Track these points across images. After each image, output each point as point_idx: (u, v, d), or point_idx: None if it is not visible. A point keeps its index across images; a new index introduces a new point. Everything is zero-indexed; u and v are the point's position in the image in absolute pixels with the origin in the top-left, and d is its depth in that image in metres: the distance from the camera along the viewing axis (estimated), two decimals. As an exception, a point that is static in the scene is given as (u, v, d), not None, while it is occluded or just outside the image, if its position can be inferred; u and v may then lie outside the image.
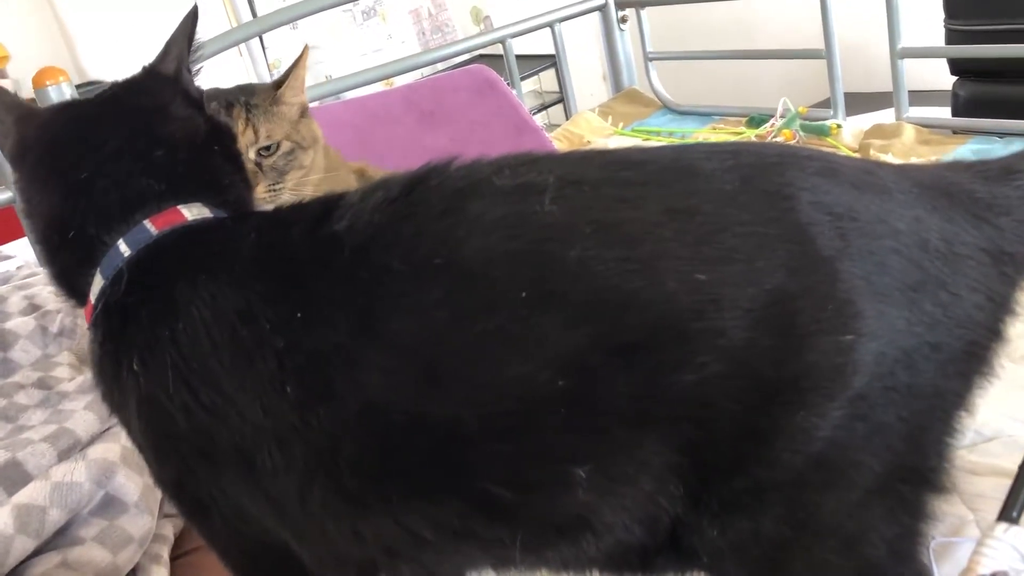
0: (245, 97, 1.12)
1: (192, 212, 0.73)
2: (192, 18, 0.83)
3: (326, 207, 0.69)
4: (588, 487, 0.62)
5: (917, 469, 0.65)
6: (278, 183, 1.10)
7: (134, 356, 0.68)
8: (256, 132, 1.10)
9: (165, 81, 0.81)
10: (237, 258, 0.69)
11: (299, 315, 0.64)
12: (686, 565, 0.69)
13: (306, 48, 1.17)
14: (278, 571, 0.75)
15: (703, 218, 0.61)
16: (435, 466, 0.63)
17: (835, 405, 0.61)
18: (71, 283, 0.76)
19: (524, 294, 0.60)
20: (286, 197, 1.10)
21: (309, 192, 1.12)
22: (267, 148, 1.11)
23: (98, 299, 0.72)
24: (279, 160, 1.12)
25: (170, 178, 0.75)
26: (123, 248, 0.71)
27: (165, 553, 1.03)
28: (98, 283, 0.72)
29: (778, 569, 0.66)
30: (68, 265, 0.76)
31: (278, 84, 1.14)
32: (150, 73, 0.82)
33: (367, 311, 0.63)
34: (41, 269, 1.53)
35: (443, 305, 0.62)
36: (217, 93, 1.13)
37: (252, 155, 1.10)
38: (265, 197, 1.07)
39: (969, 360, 0.66)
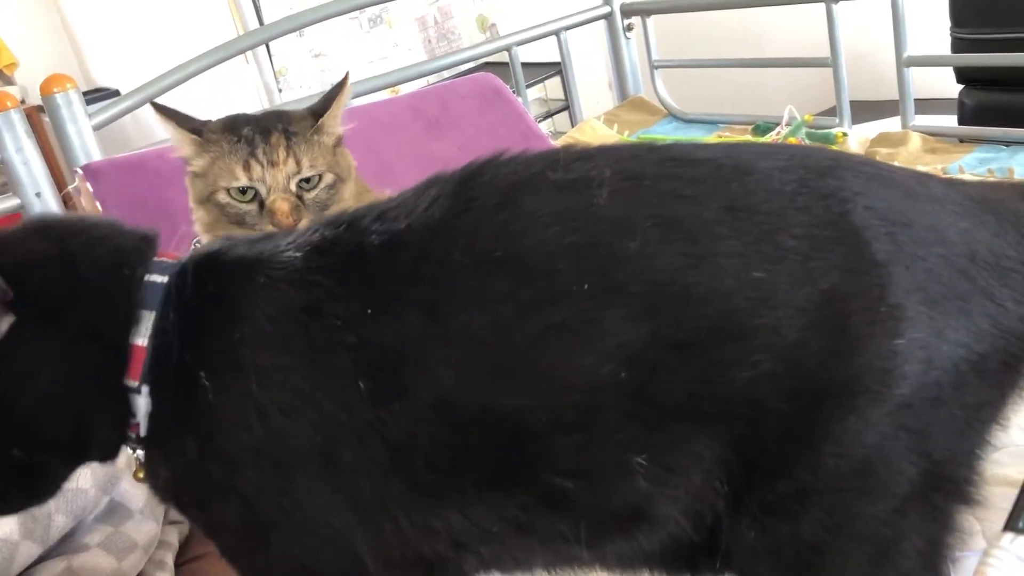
0: (283, 124, 1.07)
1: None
2: None
3: (380, 209, 0.70)
4: (646, 477, 0.63)
5: (952, 480, 0.66)
6: None
7: (200, 370, 0.67)
8: (299, 162, 1.05)
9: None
10: (291, 263, 0.69)
11: (369, 311, 0.65)
12: (721, 565, 0.69)
13: (347, 76, 1.14)
14: None
15: (761, 217, 0.63)
16: (505, 458, 0.64)
17: (882, 412, 0.62)
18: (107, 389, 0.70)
19: (586, 286, 0.61)
20: None
21: None
22: (307, 179, 1.06)
23: (155, 335, 0.69)
24: (322, 194, 1.07)
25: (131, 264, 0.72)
26: (157, 279, 0.71)
27: (170, 559, 1.03)
28: (146, 319, 0.69)
29: (812, 574, 0.66)
30: (108, 331, 0.70)
31: (316, 112, 1.10)
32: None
33: (435, 306, 0.64)
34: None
35: (508, 298, 0.63)
36: (248, 119, 1.09)
37: (293, 187, 1.05)
38: None
39: (1008, 373, 0.66)
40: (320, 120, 1.09)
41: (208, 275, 0.71)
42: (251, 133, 1.05)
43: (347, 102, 1.14)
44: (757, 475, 0.63)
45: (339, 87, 1.12)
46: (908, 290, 0.62)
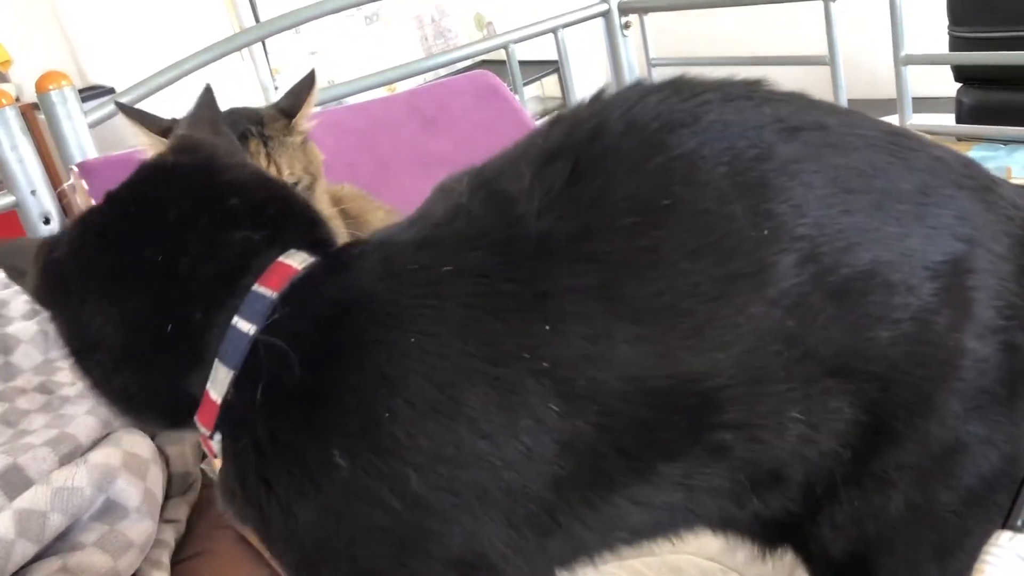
0: (256, 127, 1.04)
1: (296, 260, 0.64)
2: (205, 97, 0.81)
3: (498, 211, 0.63)
4: (796, 433, 0.62)
5: (1013, 479, 0.67)
6: None
7: (333, 448, 0.60)
8: (279, 168, 1.03)
9: (200, 142, 0.74)
10: (440, 301, 0.61)
11: (548, 328, 0.59)
12: (783, 538, 0.70)
13: (313, 72, 1.12)
14: None
15: (898, 174, 0.63)
16: (682, 422, 0.61)
17: (973, 394, 0.63)
18: (169, 396, 0.66)
19: (765, 231, 0.59)
20: None
21: None
22: None
23: (233, 393, 0.62)
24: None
25: (257, 228, 0.65)
26: (244, 326, 0.62)
27: (166, 558, 1.02)
28: (222, 376, 0.62)
29: (882, 553, 0.66)
30: (166, 373, 0.65)
31: (285, 112, 1.08)
32: (181, 141, 0.74)
33: (610, 284, 0.59)
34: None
35: (687, 250, 0.59)
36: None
37: None
38: None
39: None
40: (293, 121, 1.08)
41: (333, 326, 0.62)
42: None
43: (316, 100, 1.13)
44: (879, 443, 0.63)
45: (308, 85, 1.11)
46: (1009, 278, 0.63)
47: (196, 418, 0.65)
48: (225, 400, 0.63)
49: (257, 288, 0.62)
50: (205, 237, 0.64)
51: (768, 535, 0.71)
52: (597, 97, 0.66)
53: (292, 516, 0.62)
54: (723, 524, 0.71)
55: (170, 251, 0.63)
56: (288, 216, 0.68)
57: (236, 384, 0.62)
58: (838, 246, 0.60)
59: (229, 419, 0.63)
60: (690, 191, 0.60)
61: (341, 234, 1.13)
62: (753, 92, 0.67)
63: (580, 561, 0.69)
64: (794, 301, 0.59)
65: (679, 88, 0.66)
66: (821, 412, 0.62)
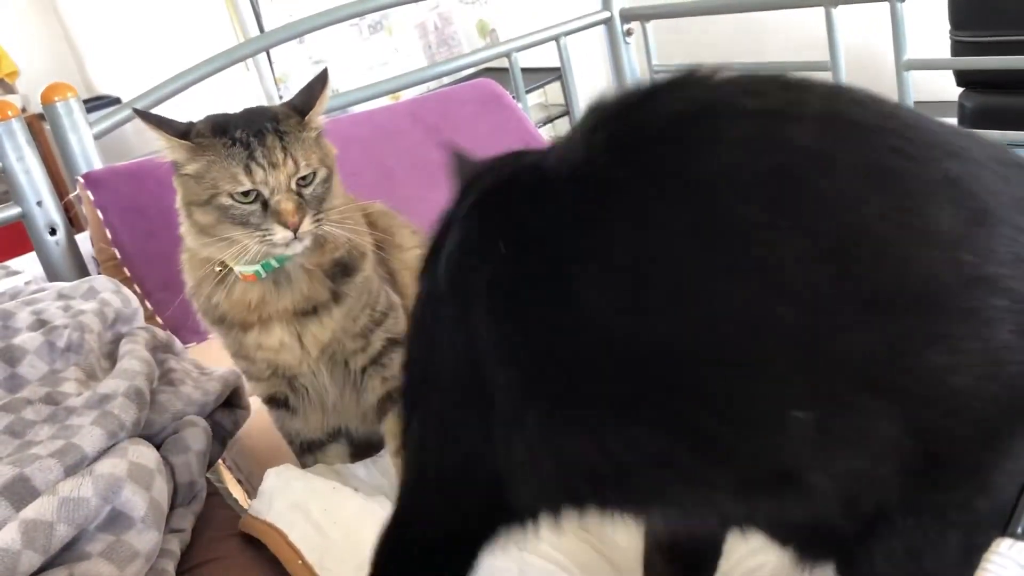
0: (272, 124, 1.08)
1: None
2: None
3: (534, 165, 0.74)
4: (800, 435, 0.59)
5: None
6: (320, 213, 1.09)
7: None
8: (296, 161, 1.07)
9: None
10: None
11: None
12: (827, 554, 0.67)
13: (326, 71, 1.16)
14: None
15: (982, 200, 0.58)
16: (658, 389, 0.61)
17: None
18: None
19: (777, 219, 0.58)
20: (328, 228, 1.09)
21: (336, 218, 1.11)
22: (304, 177, 1.09)
23: None
24: (318, 188, 1.10)
25: None
26: None
27: (171, 568, 1.03)
28: None
29: None
30: None
31: (299, 109, 1.12)
32: None
33: (603, 249, 0.64)
34: (49, 284, 1.53)
35: (688, 226, 0.60)
36: (235, 120, 1.10)
37: (293, 186, 1.07)
38: (312, 229, 1.07)
39: None
40: (307, 118, 1.11)
41: None
42: (245, 136, 1.06)
43: (328, 98, 1.16)
44: (935, 476, 0.59)
45: (321, 84, 1.14)
46: None
47: None
48: None
49: None
50: None
51: (810, 547, 0.69)
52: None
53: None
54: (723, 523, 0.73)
55: None
56: None
57: None
58: (875, 254, 0.58)
59: None
60: (708, 168, 0.62)
61: (368, 245, 1.19)
62: (790, 85, 0.67)
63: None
64: (806, 297, 0.57)
65: (748, 83, 0.67)
66: (837, 421, 0.58)
